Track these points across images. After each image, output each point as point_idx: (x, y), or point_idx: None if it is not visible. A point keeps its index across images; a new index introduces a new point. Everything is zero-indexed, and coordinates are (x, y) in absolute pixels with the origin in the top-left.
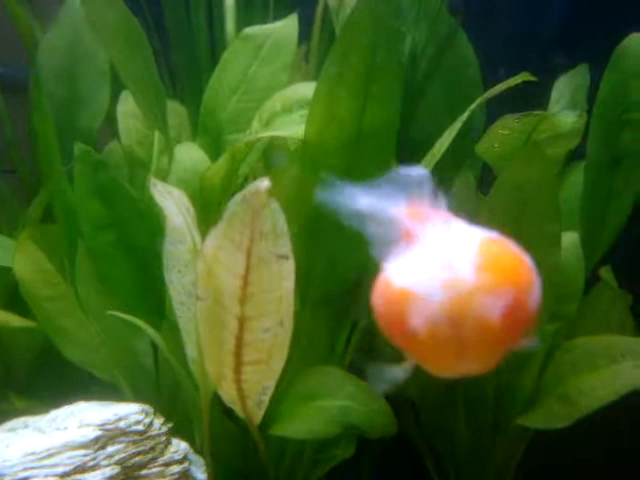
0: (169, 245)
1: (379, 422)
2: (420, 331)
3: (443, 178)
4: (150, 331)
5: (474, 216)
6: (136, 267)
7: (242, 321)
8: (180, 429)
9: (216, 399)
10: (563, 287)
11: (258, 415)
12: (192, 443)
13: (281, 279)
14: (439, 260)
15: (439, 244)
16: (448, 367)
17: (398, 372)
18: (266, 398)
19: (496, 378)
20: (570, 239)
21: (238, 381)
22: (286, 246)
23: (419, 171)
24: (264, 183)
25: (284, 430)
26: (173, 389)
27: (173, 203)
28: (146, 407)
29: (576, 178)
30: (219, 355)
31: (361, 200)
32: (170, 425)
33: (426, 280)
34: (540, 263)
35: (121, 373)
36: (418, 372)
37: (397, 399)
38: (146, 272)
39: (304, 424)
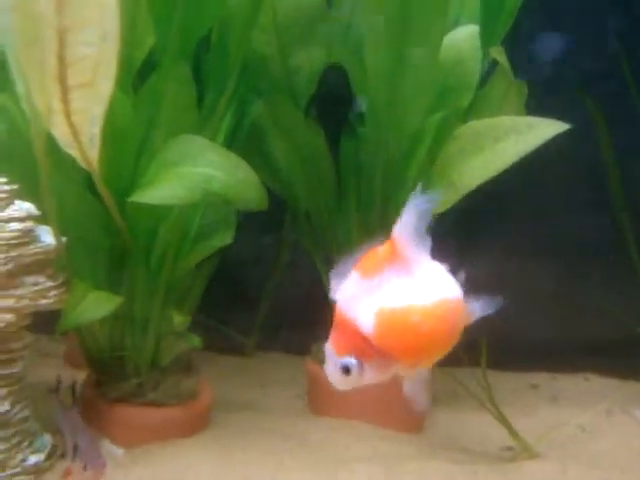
0: None
1: (245, 192)
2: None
3: None
4: None
5: None
6: None
7: (61, 34)
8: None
9: (66, 170)
10: (457, 78)
11: (94, 155)
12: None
13: None
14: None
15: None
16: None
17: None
18: (97, 130)
19: (383, 172)
20: (468, 31)
21: (67, 114)
22: None
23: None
24: None
25: (143, 196)
26: (27, 163)
27: None
28: None
29: None
30: (44, 83)
31: None
32: (15, 186)
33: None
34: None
35: None
36: (307, 181)
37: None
38: None
39: (164, 190)
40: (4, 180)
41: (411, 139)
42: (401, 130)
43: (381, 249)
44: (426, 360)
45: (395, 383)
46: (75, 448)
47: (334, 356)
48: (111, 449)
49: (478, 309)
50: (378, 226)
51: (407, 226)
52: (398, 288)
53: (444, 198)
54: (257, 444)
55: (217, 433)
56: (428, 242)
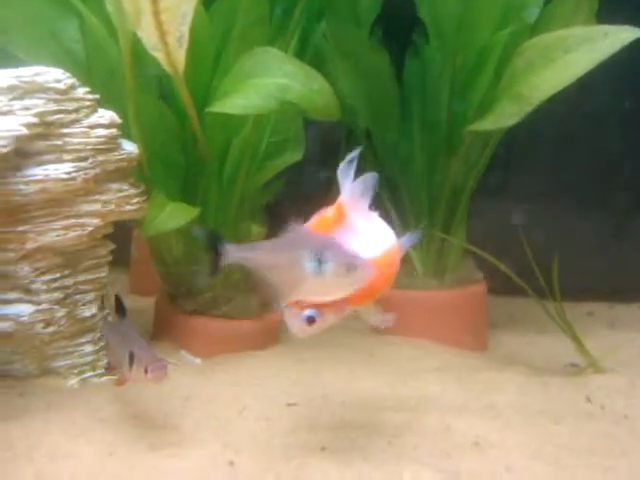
0: None
1: (319, 102)
2: None
3: None
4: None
5: None
6: None
7: None
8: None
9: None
10: None
11: (180, 57)
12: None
13: None
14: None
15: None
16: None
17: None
18: (185, 29)
19: (449, 91)
20: None
21: (156, 13)
22: None
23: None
24: None
25: (222, 106)
26: (106, 77)
27: None
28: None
29: None
30: None
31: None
32: (97, 96)
33: None
34: None
35: (49, 60)
36: (370, 102)
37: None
38: None
39: (241, 100)
40: (87, 89)
41: (478, 57)
42: (468, 48)
43: (328, 215)
44: (376, 298)
45: (456, 303)
46: (131, 356)
47: (296, 311)
48: (189, 358)
49: (405, 244)
50: (443, 147)
51: (353, 193)
52: (349, 246)
53: (514, 110)
54: (328, 356)
55: (287, 347)
56: (367, 201)
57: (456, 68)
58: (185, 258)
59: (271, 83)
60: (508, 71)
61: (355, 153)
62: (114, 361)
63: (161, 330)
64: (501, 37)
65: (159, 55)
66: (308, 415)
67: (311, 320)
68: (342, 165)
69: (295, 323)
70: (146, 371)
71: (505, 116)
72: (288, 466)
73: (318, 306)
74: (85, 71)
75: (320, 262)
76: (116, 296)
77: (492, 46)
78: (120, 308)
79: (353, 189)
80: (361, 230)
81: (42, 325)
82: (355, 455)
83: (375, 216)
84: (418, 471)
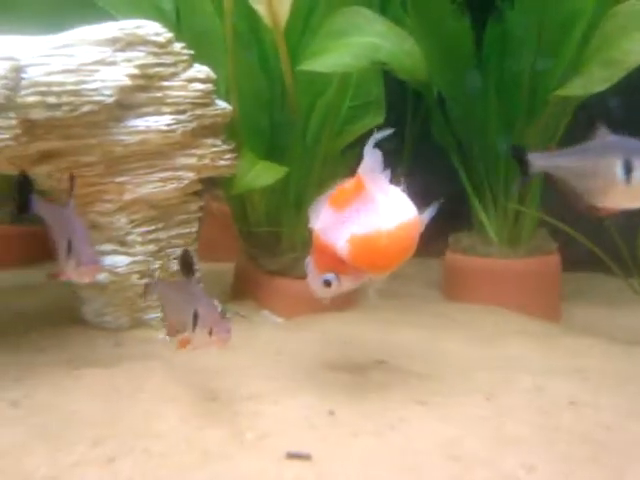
0: None
1: (408, 62)
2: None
3: None
4: None
5: None
6: None
7: None
8: None
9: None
10: None
11: (283, 10)
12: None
13: None
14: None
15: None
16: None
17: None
18: None
19: (533, 56)
20: None
21: None
22: None
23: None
24: None
25: (313, 64)
26: (196, 36)
27: None
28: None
29: None
30: None
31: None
32: (192, 51)
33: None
34: None
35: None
36: (446, 66)
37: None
38: None
39: (333, 58)
40: (183, 44)
41: (565, 22)
42: (554, 13)
43: (348, 186)
44: (391, 269)
45: (531, 273)
46: (195, 316)
47: (316, 273)
48: (271, 318)
49: (425, 218)
50: (522, 112)
51: (370, 165)
52: (365, 217)
53: (605, 75)
54: (410, 320)
55: (367, 310)
56: (387, 175)
57: (541, 35)
58: (268, 218)
59: (363, 42)
60: (598, 36)
61: (385, 133)
62: (177, 321)
63: (242, 291)
64: (589, 2)
65: (261, 8)
66: (399, 371)
67: (328, 283)
68: (369, 141)
69: (315, 284)
70: (210, 333)
71: (595, 81)
72: (387, 417)
73: (337, 271)
74: (175, 30)
75: (632, 170)
76: (185, 252)
77: (580, 11)
78: (187, 266)
79: (372, 163)
80: (379, 202)
81: (137, 276)
82: (455, 411)
83: (395, 189)
84: (519, 427)
